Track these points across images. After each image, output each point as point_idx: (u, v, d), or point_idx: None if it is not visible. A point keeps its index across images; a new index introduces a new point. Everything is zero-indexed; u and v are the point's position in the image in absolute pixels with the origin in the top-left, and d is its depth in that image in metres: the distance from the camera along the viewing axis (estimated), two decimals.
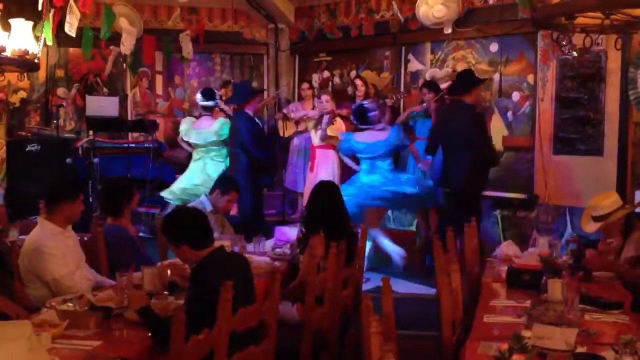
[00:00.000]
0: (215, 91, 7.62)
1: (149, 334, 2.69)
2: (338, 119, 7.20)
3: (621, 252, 3.94)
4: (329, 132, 7.14)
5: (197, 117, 7.54)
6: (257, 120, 6.85)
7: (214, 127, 7.18)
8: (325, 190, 4.37)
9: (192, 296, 2.84)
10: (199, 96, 7.46)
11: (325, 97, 7.22)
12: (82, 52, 6.97)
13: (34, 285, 3.45)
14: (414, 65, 7.76)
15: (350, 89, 8.05)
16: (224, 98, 8.13)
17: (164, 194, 7.22)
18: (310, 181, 6.60)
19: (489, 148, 6.19)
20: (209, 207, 4.95)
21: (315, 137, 7.24)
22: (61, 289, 3.36)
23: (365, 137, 6.49)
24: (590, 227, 4.06)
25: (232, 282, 2.58)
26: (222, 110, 7.38)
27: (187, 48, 8.38)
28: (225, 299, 2.54)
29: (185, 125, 7.44)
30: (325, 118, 7.08)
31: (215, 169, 7.12)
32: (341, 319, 3.74)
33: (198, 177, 7.13)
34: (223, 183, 5.22)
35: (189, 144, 7.46)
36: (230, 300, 2.56)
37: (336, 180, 6.92)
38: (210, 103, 7.30)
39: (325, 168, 7.14)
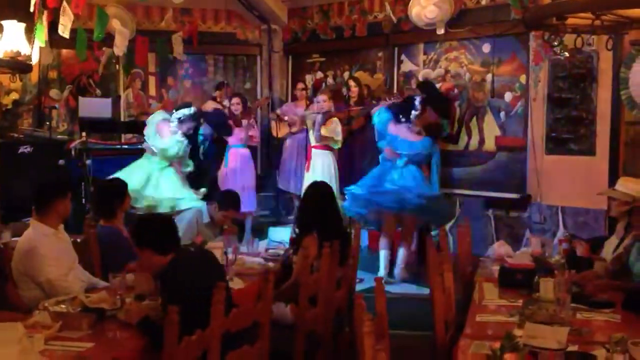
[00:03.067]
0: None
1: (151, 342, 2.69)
2: (335, 119, 7.18)
3: (617, 248, 3.98)
4: (325, 133, 7.13)
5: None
6: None
7: None
8: (319, 191, 4.38)
9: (167, 301, 2.80)
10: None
11: (322, 97, 7.19)
12: (76, 54, 6.95)
13: (26, 287, 3.44)
14: (407, 66, 7.78)
15: (344, 90, 8.06)
16: (218, 100, 8.12)
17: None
18: (308, 181, 6.58)
19: None
20: (206, 217, 4.94)
21: (312, 137, 7.22)
22: (54, 291, 3.35)
23: (405, 134, 6.30)
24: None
25: (207, 278, 2.63)
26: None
27: (178, 49, 8.37)
28: (217, 300, 2.55)
29: None
30: (318, 117, 7.06)
31: None
32: (335, 319, 3.75)
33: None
34: (224, 199, 5.13)
35: None
36: (222, 301, 2.57)
37: (333, 181, 6.93)
38: None
39: (322, 168, 7.12)
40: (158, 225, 3.10)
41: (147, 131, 6.67)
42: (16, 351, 1.88)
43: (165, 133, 6.52)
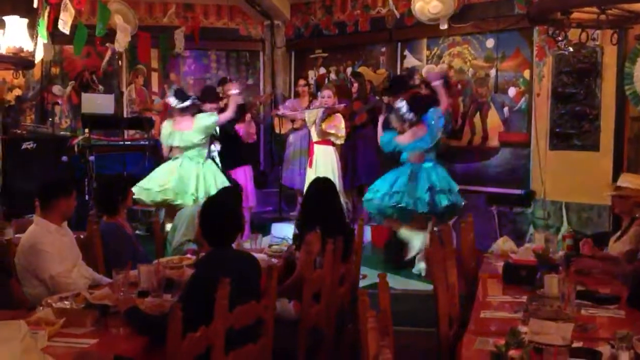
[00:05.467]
0: (185, 91, 7.12)
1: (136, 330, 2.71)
2: (338, 115, 7.16)
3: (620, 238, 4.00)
4: (325, 128, 7.11)
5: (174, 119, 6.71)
6: None
7: (196, 126, 6.51)
8: (321, 187, 4.36)
9: (186, 289, 2.86)
10: (172, 100, 6.59)
11: (327, 92, 7.17)
12: (73, 49, 6.93)
13: (30, 284, 3.44)
14: (410, 61, 7.76)
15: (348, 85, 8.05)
16: (222, 95, 8.10)
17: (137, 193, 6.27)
18: (310, 177, 6.58)
19: None
20: None
21: (314, 133, 7.21)
22: (58, 287, 3.35)
23: (404, 138, 6.15)
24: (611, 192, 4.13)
25: (229, 280, 2.58)
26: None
27: (180, 44, 8.37)
28: (221, 296, 2.54)
29: (166, 129, 6.66)
30: (320, 113, 7.05)
31: (189, 170, 6.45)
32: (338, 315, 3.74)
33: (170, 179, 6.44)
34: (225, 193, 5.14)
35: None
36: (226, 297, 2.56)
37: (336, 177, 6.92)
38: (187, 104, 6.53)
39: (325, 164, 7.10)
40: (221, 219, 3.08)
41: None
42: (19, 349, 1.86)
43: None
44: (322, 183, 4.44)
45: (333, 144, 7.20)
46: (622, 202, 4.06)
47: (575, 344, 2.41)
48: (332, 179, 6.71)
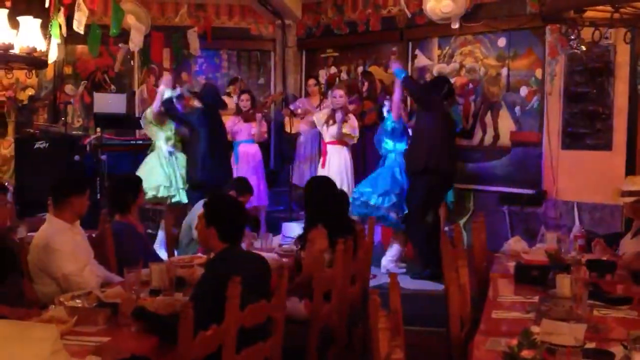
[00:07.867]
0: None
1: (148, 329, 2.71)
2: (351, 115, 7.15)
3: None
4: (345, 130, 7.07)
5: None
6: None
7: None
8: (318, 185, 4.37)
9: (198, 288, 2.86)
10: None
11: (339, 92, 7.11)
12: (88, 50, 6.98)
13: (42, 282, 3.46)
14: (421, 60, 7.73)
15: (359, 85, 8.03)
16: (232, 95, 8.12)
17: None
18: None
19: None
20: None
21: (327, 134, 7.15)
22: (70, 285, 3.37)
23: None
24: (623, 200, 4.09)
25: (241, 279, 2.59)
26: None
27: (194, 45, 8.39)
28: (233, 295, 2.55)
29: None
30: (340, 114, 6.97)
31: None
32: (348, 315, 3.74)
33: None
34: (240, 184, 5.18)
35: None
36: (238, 296, 2.56)
37: (348, 177, 6.92)
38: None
39: (338, 165, 7.07)
40: (236, 213, 3.07)
41: None
42: (49, 350, 1.88)
43: None
44: (318, 181, 4.45)
45: (346, 144, 7.19)
46: (636, 207, 4.03)
47: (587, 345, 2.39)
48: (345, 179, 6.78)
